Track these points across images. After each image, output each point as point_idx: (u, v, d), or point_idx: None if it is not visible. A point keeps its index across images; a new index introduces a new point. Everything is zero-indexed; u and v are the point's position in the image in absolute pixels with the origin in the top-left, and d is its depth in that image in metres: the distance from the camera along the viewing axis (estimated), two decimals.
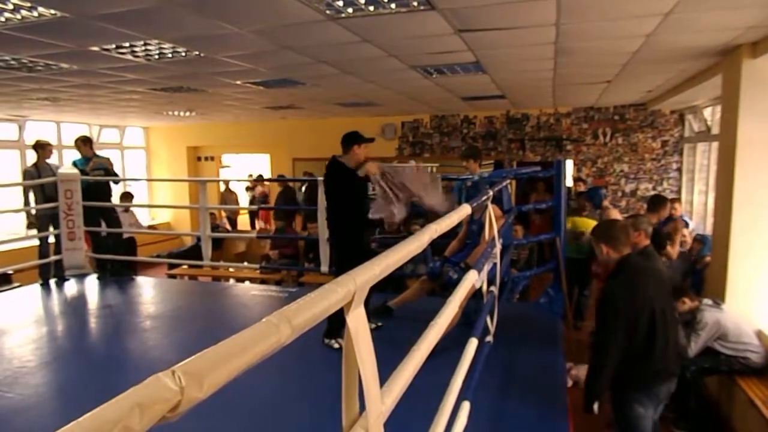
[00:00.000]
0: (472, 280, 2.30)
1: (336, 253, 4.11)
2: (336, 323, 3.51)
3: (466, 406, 2.23)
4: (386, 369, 1.20)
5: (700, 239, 5.92)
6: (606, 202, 7.07)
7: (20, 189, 9.15)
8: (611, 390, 2.97)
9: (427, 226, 1.69)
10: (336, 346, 3.56)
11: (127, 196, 9.40)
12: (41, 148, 5.88)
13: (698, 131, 8.33)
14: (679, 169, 9.19)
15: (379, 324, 3.92)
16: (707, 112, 7.84)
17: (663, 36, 4.09)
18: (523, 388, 3.20)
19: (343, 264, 3.54)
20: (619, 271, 2.85)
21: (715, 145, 7.24)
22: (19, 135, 9.70)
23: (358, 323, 0.99)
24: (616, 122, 9.49)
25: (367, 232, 4.06)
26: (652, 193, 9.32)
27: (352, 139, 3.70)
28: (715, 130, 7.35)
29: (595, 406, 2.93)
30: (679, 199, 7.63)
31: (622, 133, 9.47)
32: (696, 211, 8.36)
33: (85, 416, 0.44)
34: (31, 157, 6.34)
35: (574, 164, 9.72)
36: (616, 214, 5.71)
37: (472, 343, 2.38)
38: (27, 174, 5.87)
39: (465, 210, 2.28)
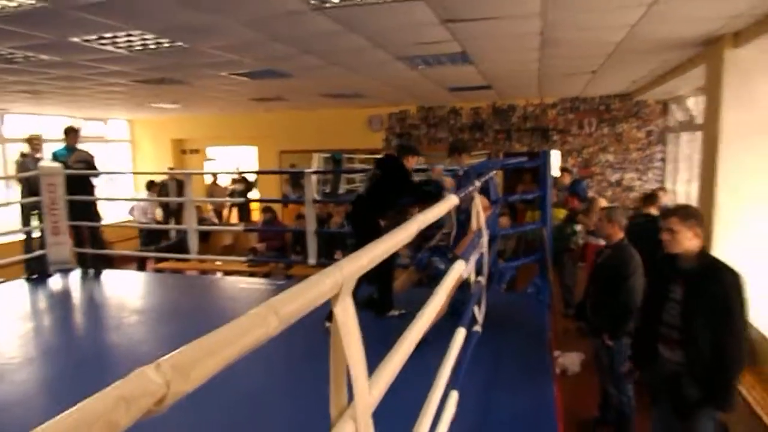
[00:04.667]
0: (460, 270, 2.31)
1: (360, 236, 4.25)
2: (387, 296, 4.00)
3: (454, 395, 2.24)
4: (374, 360, 1.21)
5: None
6: (591, 193, 7.14)
7: (2, 183, 9.13)
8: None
9: (414, 217, 1.69)
10: (397, 314, 3.89)
11: (153, 185, 9.46)
12: (30, 141, 5.96)
13: (682, 121, 8.42)
14: (664, 159, 9.29)
15: (403, 311, 3.97)
16: (691, 102, 7.92)
17: (647, 26, 4.12)
18: (511, 376, 3.23)
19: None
20: (719, 262, 2.63)
21: (699, 134, 7.32)
22: None
23: (346, 314, 0.99)
24: (601, 112, 9.55)
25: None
26: (637, 182, 9.43)
27: (411, 150, 4.17)
28: (699, 120, 7.42)
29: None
30: (663, 189, 7.71)
31: (607, 123, 9.54)
32: (680, 200, 8.44)
33: (69, 411, 0.44)
34: (15, 151, 6.33)
35: (561, 155, 9.79)
36: (604, 203, 5.75)
37: (460, 333, 2.39)
38: (20, 165, 5.89)
39: (452, 201, 2.28)
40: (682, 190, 8.44)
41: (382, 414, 1.15)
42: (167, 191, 9.97)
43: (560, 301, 6.31)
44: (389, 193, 4.08)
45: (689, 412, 2.67)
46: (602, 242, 5.15)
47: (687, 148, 8.29)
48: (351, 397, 1.01)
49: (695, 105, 7.75)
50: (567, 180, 7.64)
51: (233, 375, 0.79)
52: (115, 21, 3.54)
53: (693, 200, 7.62)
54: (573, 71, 6.57)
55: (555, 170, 8.16)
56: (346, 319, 0.98)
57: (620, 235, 3.63)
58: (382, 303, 4.13)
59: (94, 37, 3.96)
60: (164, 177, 10.17)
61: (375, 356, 1.25)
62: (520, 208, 8.33)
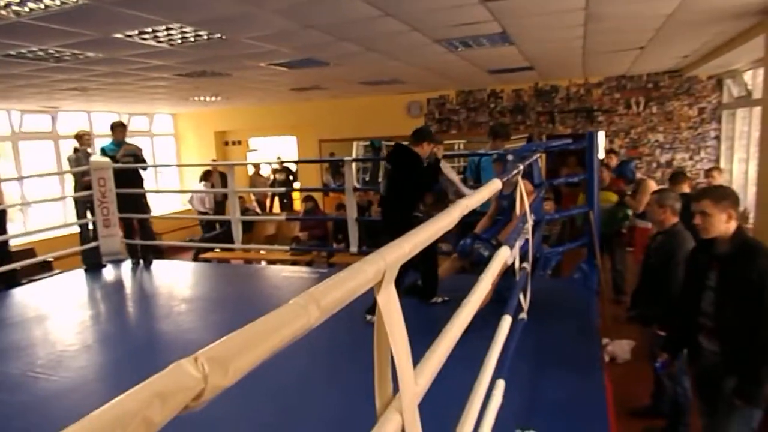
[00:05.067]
0: (505, 256, 2.24)
1: (392, 234, 4.16)
2: (432, 283, 3.96)
3: (500, 384, 2.19)
4: (419, 349, 1.18)
5: None
6: (640, 174, 6.87)
7: (57, 178, 9.55)
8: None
9: (457, 202, 1.64)
10: (440, 301, 3.86)
11: (207, 175, 9.77)
12: (79, 137, 6.28)
13: (738, 96, 7.98)
14: (718, 137, 8.84)
15: (446, 298, 3.98)
16: (747, 76, 7.50)
17: None
18: (558, 365, 3.15)
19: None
20: (753, 243, 2.50)
21: (756, 110, 6.94)
22: (53, 126, 9.92)
23: (390, 302, 0.95)
24: (649, 90, 9.15)
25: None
26: (689, 163, 9.03)
27: (426, 135, 3.93)
28: (757, 95, 7.05)
29: None
30: (718, 168, 7.35)
31: (656, 102, 9.14)
32: (736, 180, 8.05)
33: (104, 407, 0.42)
34: (69, 147, 6.65)
35: (606, 136, 9.46)
36: (653, 186, 5.52)
37: (506, 321, 2.33)
38: (70, 161, 6.27)
39: (495, 185, 2.21)
40: (739, 169, 8.02)
41: (427, 403, 1.12)
42: (212, 182, 10.24)
43: (610, 286, 6.13)
44: (406, 188, 3.91)
45: (727, 408, 2.53)
46: (650, 226, 4.96)
47: (743, 124, 7.87)
48: (396, 387, 0.98)
49: (752, 79, 7.34)
50: (614, 162, 7.39)
51: (276, 365, 0.77)
52: (153, 14, 3.59)
53: (751, 180, 7.25)
54: (619, 48, 6.30)
55: (602, 152, 7.92)
56: (390, 307, 0.95)
57: (673, 219, 3.45)
58: (426, 289, 4.10)
59: (135, 32, 4.03)
60: (209, 168, 10.42)
61: (420, 345, 1.22)
62: (565, 191, 8.11)
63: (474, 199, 1.81)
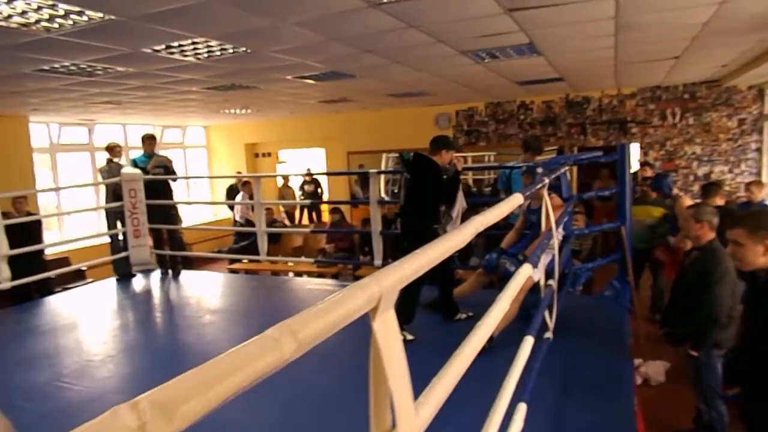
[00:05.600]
0: (526, 274, 2.15)
1: (410, 247, 4.08)
2: (404, 312, 3.52)
3: (522, 408, 2.09)
4: (434, 369, 1.12)
5: None
6: (676, 190, 6.63)
7: (93, 189, 9.82)
8: None
9: (471, 218, 1.57)
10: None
11: (245, 185, 9.95)
12: (111, 149, 6.41)
13: None
14: (759, 149, 8.49)
15: (470, 314, 3.86)
16: None
17: (739, 2, 3.73)
18: (586, 387, 3.01)
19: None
20: None
21: None
22: (89, 138, 10.22)
23: (387, 330, 0.89)
24: (686, 101, 8.87)
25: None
26: (729, 176, 8.70)
27: (443, 143, 3.88)
28: None
29: None
30: (760, 182, 7.03)
31: (693, 113, 8.85)
32: None
33: None
34: (103, 158, 6.82)
35: (641, 148, 9.20)
36: (688, 202, 5.30)
37: (528, 342, 2.23)
38: (102, 172, 6.43)
39: (516, 200, 2.12)
40: None
41: (439, 428, 1.04)
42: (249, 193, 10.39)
43: (648, 304, 5.92)
44: (425, 197, 3.83)
45: None
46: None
47: None
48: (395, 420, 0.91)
49: None
50: (648, 174, 7.16)
51: (272, 382, 0.70)
52: (177, 29, 3.65)
53: None
54: (653, 58, 6.12)
55: (635, 164, 7.68)
56: (387, 335, 0.88)
57: (710, 235, 3.28)
58: (446, 307, 4.01)
59: (162, 46, 4.10)
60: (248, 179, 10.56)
61: (436, 365, 1.16)
62: (597, 205, 7.89)
63: (490, 215, 1.73)
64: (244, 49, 4.38)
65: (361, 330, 0.84)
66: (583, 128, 9.62)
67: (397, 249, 5.69)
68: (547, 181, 3.02)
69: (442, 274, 3.97)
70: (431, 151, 3.85)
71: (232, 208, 10.73)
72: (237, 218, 10.30)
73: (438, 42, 4.56)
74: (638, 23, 4.27)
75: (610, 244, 5.90)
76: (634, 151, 8.94)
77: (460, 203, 4.06)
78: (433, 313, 4.03)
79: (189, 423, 0.47)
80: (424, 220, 3.80)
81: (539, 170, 3.91)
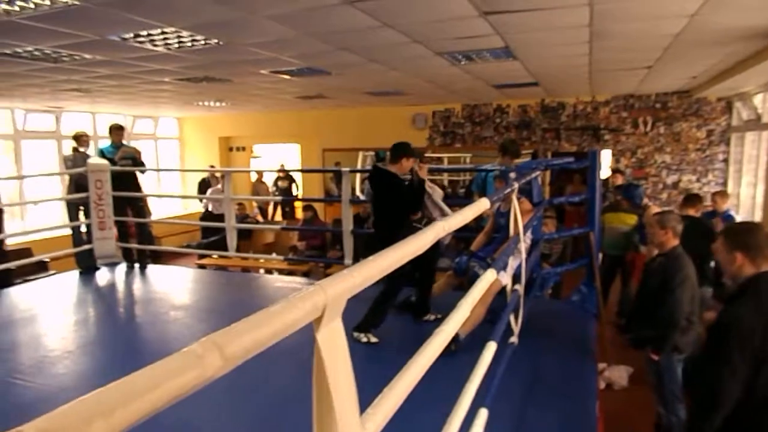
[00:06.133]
0: (490, 279, 2.14)
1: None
2: (374, 316, 3.57)
3: (483, 413, 2.08)
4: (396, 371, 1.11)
5: None
6: (646, 199, 6.74)
7: (59, 178, 9.54)
8: None
9: (433, 223, 1.54)
10: (364, 340, 3.49)
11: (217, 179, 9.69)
12: (77, 138, 6.16)
13: (747, 119, 7.87)
14: (726, 160, 8.71)
15: (439, 316, 3.81)
16: (758, 99, 7.38)
17: (709, 16, 3.79)
18: (549, 391, 3.03)
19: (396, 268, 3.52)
20: (750, 291, 2.17)
21: (766, 134, 6.83)
22: (56, 126, 9.93)
23: (332, 342, 0.85)
24: (657, 110, 9.04)
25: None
26: (696, 185, 8.90)
27: (402, 151, 3.80)
28: (767, 118, 6.94)
29: None
30: (725, 192, 7.20)
31: (664, 122, 9.03)
32: (743, 204, 7.91)
33: None
34: (69, 147, 6.59)
35: (613, 155, 9.35)
36: (656, 209, 5.40)
37: (490, 347, 2.22)
38: (67, 161, 6.16)
39: (482, 205, 2.11)
40: (746, 193, 7.89)
41: None
42: (208, 188, 10.20)
43: (615, 310, 6.03)
44: (391, 209, 3.83)
45: None
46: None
47: (752, 148, 7.74)
48: None
49: (763, 102, 7.23)
50: (619, 181, 7.27)
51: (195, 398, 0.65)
52: (145, 17, 3.54)
53: (758, 204, 7.11)
54: (626, 66, 6.21)
55: (606, 171, 7.80)
56: (333, 347, 0.85)
57: (674, 242, 3.36)
58: (419, 306, 4.01)
59: (130, 35, 3.99)
60: (207, 174, 10.40)
61: (399, 365, 1.14)
62: (569, 210, 7.99)
63: (455, 221, 1.71)
64: (216, 40, 4.29)
65: (308, 335, 0.81)
66: (557, 133, 9.72)
67: (368, 248, 5.66)
68: (516, 186, 3.02)
69: (427, 274, 4.01)
70: (392, 159, 3.82)
71: (202, 201, 10.51)
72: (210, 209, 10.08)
73: (414, 42, 4.54)
74: (612, 32, 4.32)
75: (581, 248, 5.98)
76: (606, 157, 9.08)
77: (439, 209, 4.07)
78: (403, 314, 4.02)
79: None
80: (398, 229, 3.74)
81: (512, 175, 3.93)
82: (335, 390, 0.83)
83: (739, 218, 7.06)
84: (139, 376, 0.51)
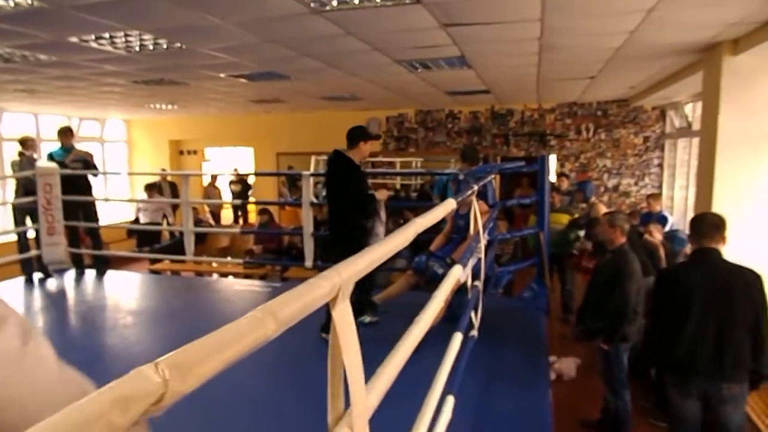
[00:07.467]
0: (458, 275, 2.30)
1: (342, 248, 4.08)
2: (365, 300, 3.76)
3: (450, 400, 2.24)
4: (372, 365, 1.21)
5: (669, 237, 5.61)
6: (594, 198, 7.16)
7: (0, 183, 9.08)
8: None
9: (412, 220, 1.68)
10: (367, 320, 3.71)
11: (150, 188, 9.34)
12: (23, 143, 5.87)
13: (679, 127, 8.45)
14: (661, 165, 9.32)
15: (375, 319, 3.92)
16: (688, 108, 7.95)
17: (646, 33, 4.13)
18: (507, 381, 3.23)
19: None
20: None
21: (696, 140, 7.34)
22: None
23: (344, 318, 0.98)
24: (599, 118, 9.58)
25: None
26: (634, 188, 9.46)
27: (359, 135, 3.75)
28: (696, 126, 7.45)
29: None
30: (659, 195, 7.73)
31: (605, 129, 9.57)
32: (677, 206, 8.48)
33: (64, 411, 0.43)
34: (12, 150, 6.29)
35: (558, 159, 9.81)
36: (603, 209, 5.76)
37: (457, 338, 2.38)
38: (14, 166, 5.87)
39: (450, 204, 2.27)
40: (679, 195, 8.46)
41: (378, 419, 1.14)
42: (161, 192, 9.92)
43: (559, 306, 6.32)
44: (347, 195, 3.72)
45: None
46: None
47: (684, 153, 8.32)
48: (348, 402, 1.00)
49: (692, 111, 7.78)
50: (565, 185, 7.66)
51: (231, 378, 0.78)
52: (112, 21, 3.53)
53: (690, 206, 7.64)
54: (571, 76, 6.59)
55: (553, 175, 8.19)
56: (345, 323, 0.98)
57: (621, 240, 3.64)
58: (355, 305, 4.06)
59: (92, 37, 3.94)
60: (158, 178, 10.13)
61: (373, 361, 1.25)
62: (518, 212, 8.34)
63: (428, 218, 1.86)
64: (178, 44, 4.29)
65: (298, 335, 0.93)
66: (506, 139, 10.12)
67: (326, 250, 5.70)
68: (476, 188, 3.21)
69: (366, 275, 4.08)
70: (349, 144, 3.75)
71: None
72: (142, 220, 9.45)
73: (374, 50, 4.69)
74: (560, 45, 4.61)
75: (528, 249, 6.28)
76: (552, 162, 9.52)
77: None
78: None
79: (198, 384, 0.55)
80: (352, 219, 3.74)
81: (461, 177, 4.14)
82: (348, 360, 0.97)
83: (672, 219, 7.59)
84: (221, 333, 0.63)
